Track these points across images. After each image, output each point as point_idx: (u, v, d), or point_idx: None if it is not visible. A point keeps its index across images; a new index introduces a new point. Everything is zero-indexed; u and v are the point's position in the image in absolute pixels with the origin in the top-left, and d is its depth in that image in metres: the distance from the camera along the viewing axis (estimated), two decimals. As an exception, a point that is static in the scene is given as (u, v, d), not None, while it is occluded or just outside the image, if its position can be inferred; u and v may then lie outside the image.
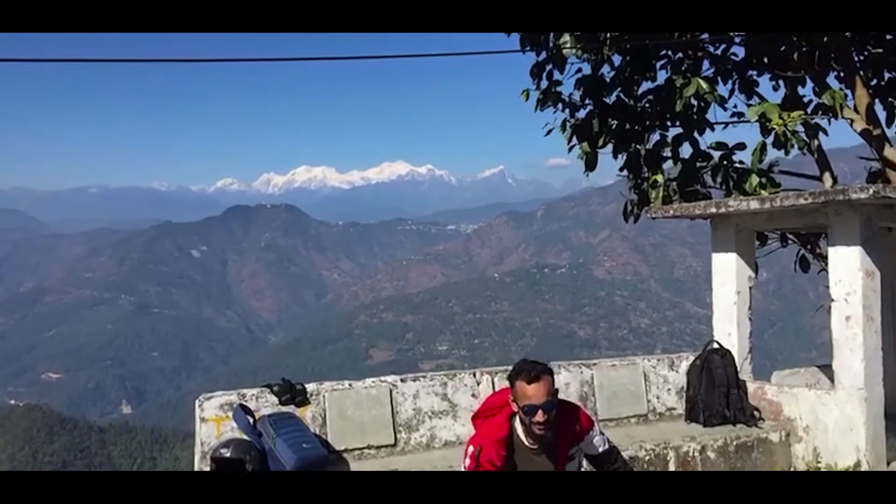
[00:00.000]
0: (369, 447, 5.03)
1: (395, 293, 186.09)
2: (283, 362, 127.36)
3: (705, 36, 6.97)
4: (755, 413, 5.70)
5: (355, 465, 4.85)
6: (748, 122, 6.68)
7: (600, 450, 3.77)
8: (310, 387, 5.03)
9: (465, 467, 3.48)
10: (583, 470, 3.73)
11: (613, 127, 7.31)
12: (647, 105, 7.30)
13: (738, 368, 5.91)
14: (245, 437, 4.59)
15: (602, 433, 3.82)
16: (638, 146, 7.33)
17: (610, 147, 7.37)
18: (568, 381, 5.69)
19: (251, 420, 4.65)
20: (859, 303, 5.09)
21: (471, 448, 3.46)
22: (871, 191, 4.77)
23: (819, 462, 5.32)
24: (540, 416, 3.33)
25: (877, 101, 7.33)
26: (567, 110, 7.44)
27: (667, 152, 7.27)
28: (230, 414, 4.71)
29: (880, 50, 7.35)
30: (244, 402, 4.79)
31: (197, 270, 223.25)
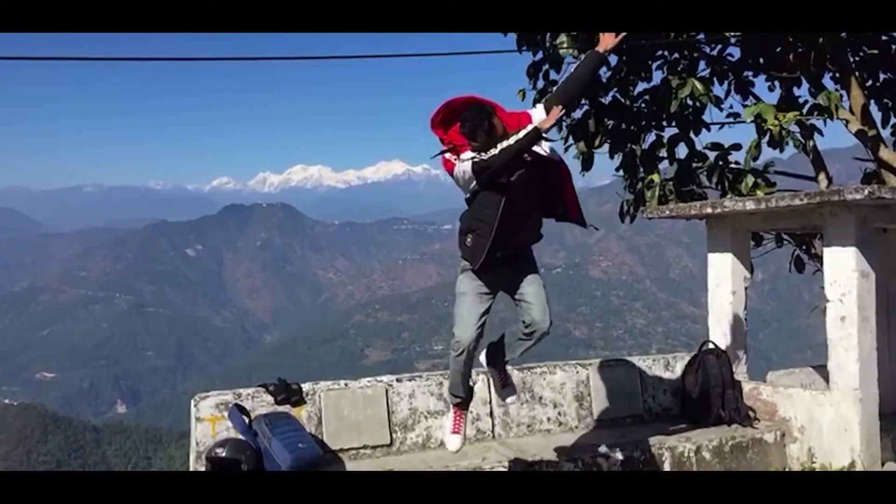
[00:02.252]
0: (365, 447, 5.03)
1: (390, 293, 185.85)
2: (278, 362, 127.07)
3: (701, 36, 6.98)
4: (750, 413, 5.71)
5: (351, 465, 4.85)
6: (744, 122, 6.69)
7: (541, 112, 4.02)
8: (305, 386, 5.03)
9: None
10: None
11: (609, 127, 7.32)
12: (643, 105, 7.31)
13: (733, 369, 5.92)
14: (241, 436, 4.59)
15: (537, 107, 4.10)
16: (634, 146, 7.34)
17: (606, 147, 7.38)
18: (564, 380, 5.70)
19: (247, 420, 4.65)
20: (854, 303, 5.10)
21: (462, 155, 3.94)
22: (866, 191, 4.78)
23: (814, 462, 5.33)
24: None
25: (872, 101, 7.36)
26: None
27: (663, 152, 7.28)
28: (226, 413, 4.71)
29: (875, 51, 7.38)
30: (240, 402, 4.79)
31: (192, 269, 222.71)
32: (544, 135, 3.84)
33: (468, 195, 3.98)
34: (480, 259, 3.91)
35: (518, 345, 4.19)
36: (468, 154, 3.87)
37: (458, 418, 4.26)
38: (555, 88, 4.20)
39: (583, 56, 4.12)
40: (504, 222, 3.84)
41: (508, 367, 4.48)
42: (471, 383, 4.28)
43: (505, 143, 3.75)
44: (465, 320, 3.99)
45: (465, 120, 3.83)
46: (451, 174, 3.97)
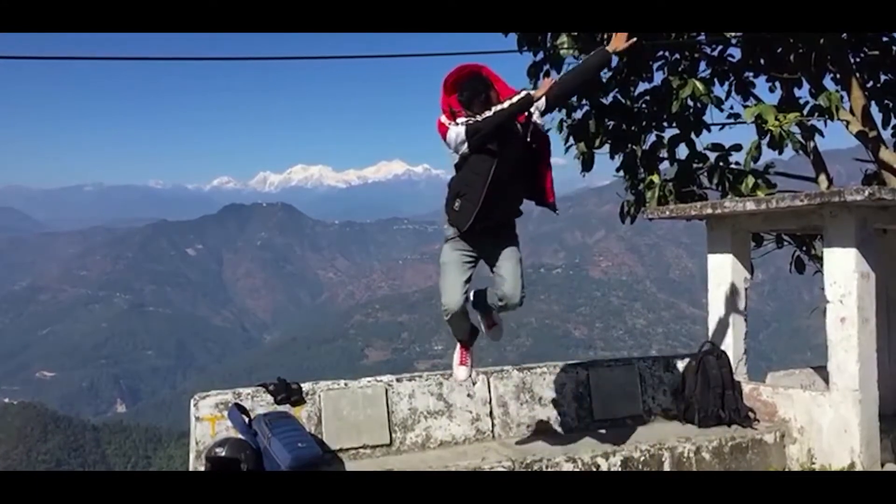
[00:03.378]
0: (364, 447, 5.02)
1: (390, 293, 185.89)
2: (278, 361, 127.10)
3: (702, 37, 6.98)
4: (750, 414, 5.71)
5: (350, 465, 4.84)
6: (745, 123, 6.69)
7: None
8: (305, 386, 5.02)
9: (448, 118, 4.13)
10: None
11: (610, 127, 7.32)
12: (643, 106, 7.31)
13: (733, 369, 5.92)
14: (240, 436, 4.58)
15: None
16: (634, 147, 7.34)
17: (606, 147, 7.38)
18: (564, 381, 5.70)
19: (246, 419, 4.65)
20: (854, 304, 5.10)
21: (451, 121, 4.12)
22: (866, 192, 4.78)
23: (813, 463, 5.33)
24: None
25: (873, 103, 7.36)
26: (564, 110, 7.45)
27: (663, 153, 7.28)
28: (225, 413, 4.70)
29: (876, 52, 7.38)
30: (239, 402, 4.78)
31: (192, 269, 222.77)
32: (536, 103, 4.04)
33: (457, 160, 4.14)
34: (468, 222, 4.08)
35: (495, 307, 4.50)
36: (462, 119, 4.03)
37: (463, 352, 4.59)
38: (563, 77, 4.36)
39: (592, 53, 4.23)
40: (492, 188, 4.02)
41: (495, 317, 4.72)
42: (471, 324, 4.55)
43: (498, 107, 3.94)
44: (449, 289, 4.24)
45: (464, 89, 4.05)
46: (445, 138, 4.13)
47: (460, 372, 4.61)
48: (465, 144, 4.01)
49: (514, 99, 3.94)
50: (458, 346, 4.60)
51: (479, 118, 3.94)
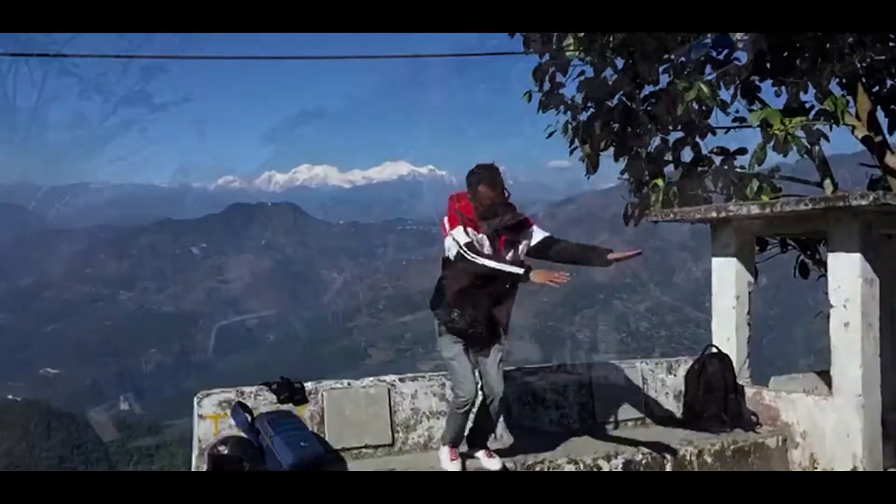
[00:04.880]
0: (367, 446, 5.03)
1: (394, 293, 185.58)
2: (281, 361, 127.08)
3: (708, 40, 6.96)
4: (753, 418, 5.71)
5: (353, 465, 4.85)
6: (750, 127, 6.68)
7: (541, 237, 4.44)
8: (308, 385, 5.03)
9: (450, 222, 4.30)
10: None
11: (615, 130, 7.32)
12: (648, 109, 7.30)
13: (737, 373, 5.91)
14: (243, 434, 4.59)
15: (539, 229, 4.50)
16: (639, 150, 7.33)
17: (611, 150, 7.38)
18: (566, 383, 5.70)
19: (249, 418, 4.66)
20: (858, 309, 5.10)
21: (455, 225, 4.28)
22: (871, 197, 4.78)
23: (816, 467, 5.33)
24: (500, 210, 4.24)
25: (878, 108, 7.34)
26: (569, 112, 7.45)
27: (668, 156, 7.27)
28: (228, 411, 4.72)
29: (883, 57, 7.36)
30: (242, 400, 4.80)
31: (197, 268, 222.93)
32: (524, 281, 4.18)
33: (444, 257, 4.36)
34: (469, 329, 4.36)
35: (486, 417, 4.64)
36: (461, 233, 4.20)
37: (452, 451, 4.67)
38: (568, 243, 4.47)
39: (597, 253, 4.37)
40: (488, 303, 4.32)
41: (490, 444, 4.83)
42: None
43: (491, 263, 4.13)
44: (463, 380, 4.43)
45: (486, 176, 4.24)
46: (444, 237, 4.32)
47: (454, 466, 4.62)
48: (452, 257, 4.23)
49: (509, 268, 4.11)
50: (447, 448, 4.66)
51: (469, 253, 4.12)
